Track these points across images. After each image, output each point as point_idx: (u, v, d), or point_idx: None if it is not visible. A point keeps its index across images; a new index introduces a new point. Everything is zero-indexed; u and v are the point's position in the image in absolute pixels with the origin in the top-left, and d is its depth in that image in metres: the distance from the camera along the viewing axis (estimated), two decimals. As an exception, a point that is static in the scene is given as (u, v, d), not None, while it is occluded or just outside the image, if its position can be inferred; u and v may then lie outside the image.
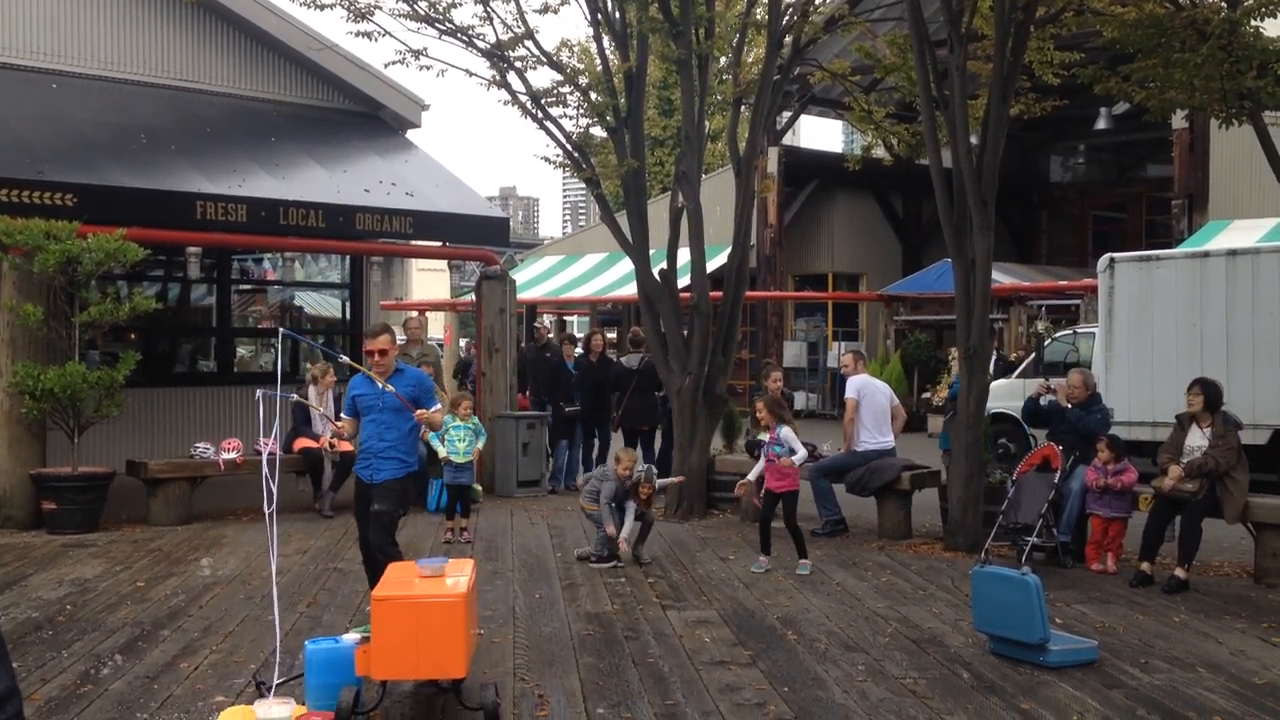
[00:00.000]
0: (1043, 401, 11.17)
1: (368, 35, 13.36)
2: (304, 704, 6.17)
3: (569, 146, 13.97)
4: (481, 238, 15.90)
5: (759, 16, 14.21)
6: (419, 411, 7.72)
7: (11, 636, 7.60)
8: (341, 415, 8.26)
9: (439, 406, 8.09)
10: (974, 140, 11.40)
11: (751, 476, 10.76)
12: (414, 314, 22.41)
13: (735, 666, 7.08)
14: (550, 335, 18.05)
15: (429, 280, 48.00)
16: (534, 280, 32.11)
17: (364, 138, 16.34)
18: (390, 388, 7.66)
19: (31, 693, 6.42)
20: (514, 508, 13.52)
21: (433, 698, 6.34)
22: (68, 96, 14.15)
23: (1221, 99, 10.69)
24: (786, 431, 10.25)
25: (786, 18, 13.26)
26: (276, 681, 6.31)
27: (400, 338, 16.79)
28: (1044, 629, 7.06)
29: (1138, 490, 10.16)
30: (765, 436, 10.55)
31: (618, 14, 13.67)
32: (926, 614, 8.49)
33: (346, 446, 12.55)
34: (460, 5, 13.50)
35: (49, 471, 11.79)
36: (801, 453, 10.24)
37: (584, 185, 15.18)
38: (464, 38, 13.43)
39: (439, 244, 16.01)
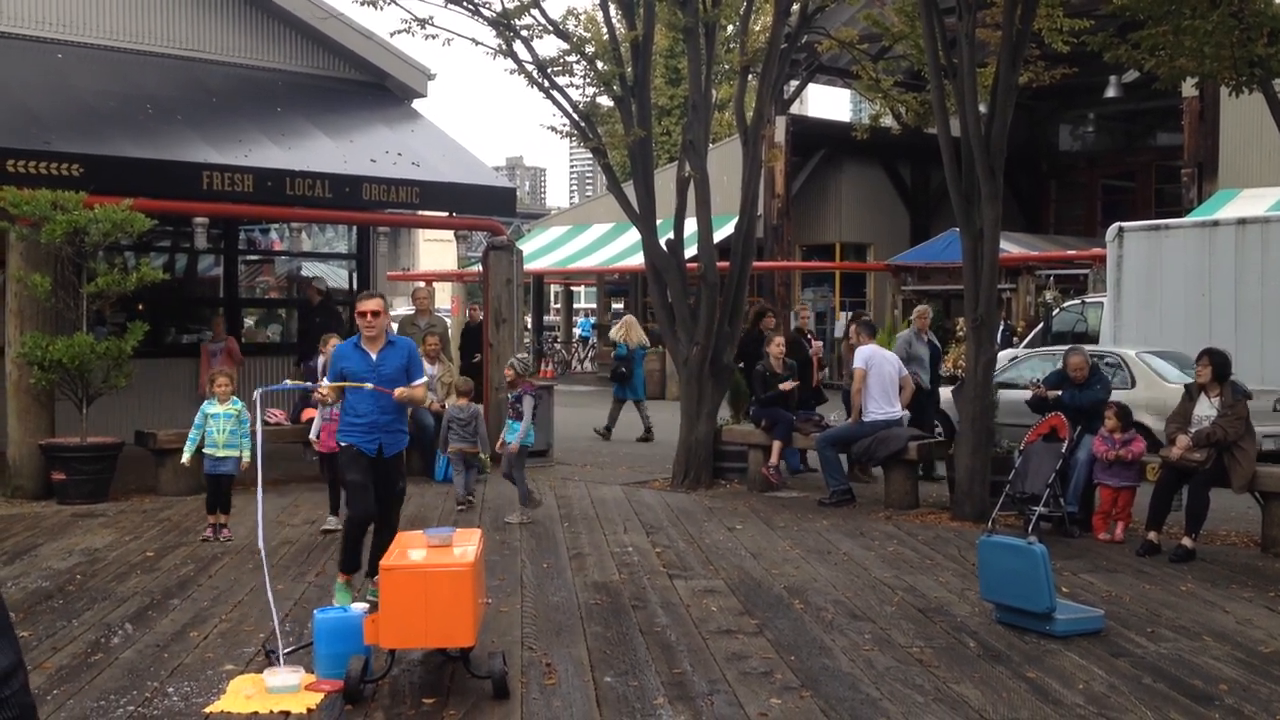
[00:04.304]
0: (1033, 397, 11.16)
1: (373, 4, 13.29)
2: (313, 673, 6.20)
3: (576, 116, 13.93)
4: (488, 208, 15.88)
5: (766, -16, 14.15)
6: (397, 391, 7.50)
7: (22, 606, 7.65)
8: (323, 380, 7.98)
9: (424, 379, 7.93)
10: (982, 109, 11.34)
11: (312, 435, 10.55)
12: (421, 285, 22.41)
13: (742, 635, 7.10)
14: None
15: (436, 251, 48.01)
16: (541, 250, 32.08)
17: (370, 107, 16.30)
18: (375, 388, 7.46)
19: (43, 661, 6.46)
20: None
21: (441, 666, 6.37)
22: (74, 66, 14.13)
23: (1232, 67, 10.62)
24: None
25: (794, -15, 13.19)
26: (285, 651, 6.35)
27: (409, 309, 16.76)
28: (1050, 598, 7.07)
29: (1145, 460, 10.16)
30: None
31: (624, -18, 13.60)
32: (933, 583, 8.50)
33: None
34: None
35: (58, 442, 11.82)
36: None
37: (591, 155, 15.13)
38: (470, 6, 13.37)
39: (445, 214, 15.99)
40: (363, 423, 7.60)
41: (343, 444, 7.71)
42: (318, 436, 10.26)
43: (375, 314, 7.56)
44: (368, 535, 7.69)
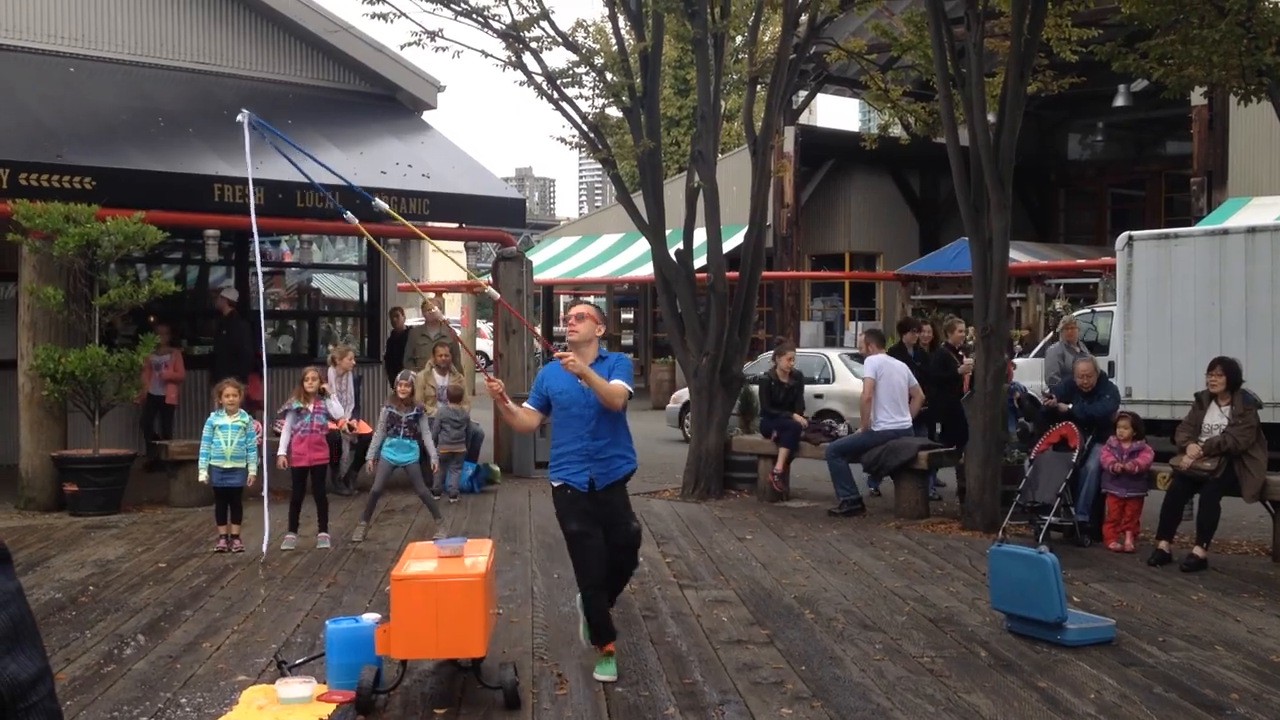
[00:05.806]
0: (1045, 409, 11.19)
1: (383, 17, 13.37)
2: (325, 683, 6.22)
3: (585, 127, 13.97)
4: (498, 219, 15.93)
5: (775, -5, 14.16)
6: (570, 358, 6.29)
7: (35, 617, 7.67)
8: (525, 404, 6.75)
9: (622, 382, 6.51)
10: (991, 118, 11.36)
11: (281, 451, 10.09)
12: (431, 296, 22.43)
13: (753, 645, 7.11)
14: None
15: (446, 261, 48.03)
16: (550, 261, 32.11)
17: (380, 120, 16.36)
18: (593, 377, 6.35)
19: (56, 673, 6.48)
20: (532, 488, 13.55)
21: (452, 677, 6.38)
22: (86, 80, 14.21)
23: (1240, 75, 10.64)
24: (333, 402, 10.56)
25: (802, -4, 13.22)
26: (297, 661, 6.37)
27: (417, 320, 16.80)
28: (1061, 607, 7.07)
29: (1155, 469, 10.14)
30: (306, 405, 10.13)
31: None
32: (944, 593, 8.50)
33: (366, 429, 12.57)
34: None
35: (70, 454, 11.87)
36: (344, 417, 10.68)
37: (600, 166, 15.17)
38: (480, 18, 13.43)
39: (455, 225, 16.04)
40: (569, 451, 6.52)
41: (555, 484, 6.65)
42: (287, 452, 10.08)
43: (579, 317, 6.61)
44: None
